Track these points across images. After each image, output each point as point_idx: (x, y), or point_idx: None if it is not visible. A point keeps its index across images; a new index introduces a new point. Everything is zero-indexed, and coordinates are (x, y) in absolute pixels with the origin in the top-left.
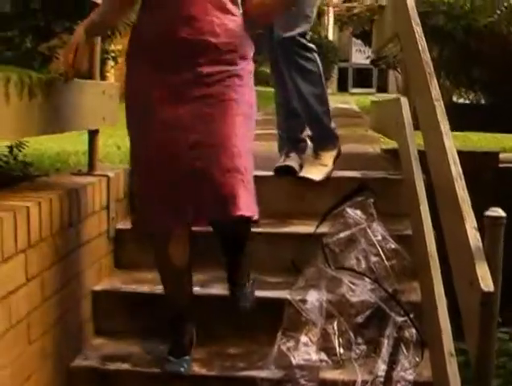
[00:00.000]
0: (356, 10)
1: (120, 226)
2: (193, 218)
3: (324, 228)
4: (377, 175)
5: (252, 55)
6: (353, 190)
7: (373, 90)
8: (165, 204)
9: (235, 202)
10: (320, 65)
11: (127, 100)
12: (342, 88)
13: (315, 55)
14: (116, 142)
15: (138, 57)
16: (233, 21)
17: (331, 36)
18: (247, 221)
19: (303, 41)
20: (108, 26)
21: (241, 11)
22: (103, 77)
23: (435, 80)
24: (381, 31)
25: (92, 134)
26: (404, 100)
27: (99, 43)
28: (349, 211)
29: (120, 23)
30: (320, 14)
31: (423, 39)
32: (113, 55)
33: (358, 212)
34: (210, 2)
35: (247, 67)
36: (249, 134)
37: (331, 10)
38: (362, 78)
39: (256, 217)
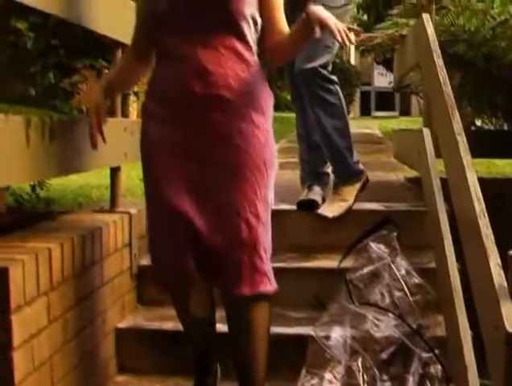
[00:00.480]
0: (377, 40)
1: (143, 262)
2: (203, 282)
3: (347, 262)
4: (401, 207)
5: (271, 108)
6: (376, 224)
7: (395, 113)
8: (175, 266)
9: (238, 279)
10: (342, 97)
11: (141, 151)
12: (365, 111)
13: (337, 87)
14: (138, 174)
15: (151, 111)
16: (249, 71)
17: (353, 60)
18: (254, 300)
19: (325, 72)
20: (126, 85)
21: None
22: (124, 113)
23: (457, 113)
24: (403, 60)
25: (114, 171)
26: (426, 132)
27: None
28: (373, 245)
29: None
30: None
31: (444, 71)
32: (134, 90)
33: (382, 246)
34: (224, 53)
35: (265, 126)
36: (265, 200)
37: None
38: (385, 101)
39: (268, 291)
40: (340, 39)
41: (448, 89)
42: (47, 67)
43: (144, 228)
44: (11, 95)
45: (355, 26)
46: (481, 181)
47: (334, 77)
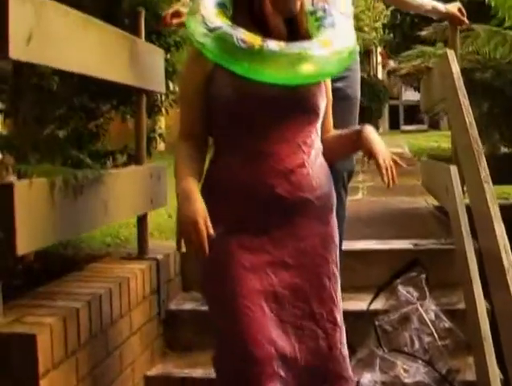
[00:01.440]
0: (403, 71)
1: (171, 307)
2: None
3: (376, 304)
4: (430, 245)
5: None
6: (405, 266)
7: (424, 126)
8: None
9: None
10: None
11: (204, 267)
12: (393, 125)
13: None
14: (167, 211)
15: (219, 214)
16: (324, 166)
17: (380, 75)
18: None
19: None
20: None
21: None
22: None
23: (484, 159)
24: (429, 92)
25: (141, 219)
26: (454, 170)
27: (144, 127)
28: (401, 288)
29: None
30: (369, 52)
31: (471, 113)
32: (160, 132)
33: (411, 289)
34: (306, 151)
35: (335, 225)
36: (340, 303)
37: (379, 49)
38: (413, 115)
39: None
40: (386, 180)
41: (474, 132)
42: (73, 109)
43: (173, 271)
44: (37, 137)
45: (399, 159)
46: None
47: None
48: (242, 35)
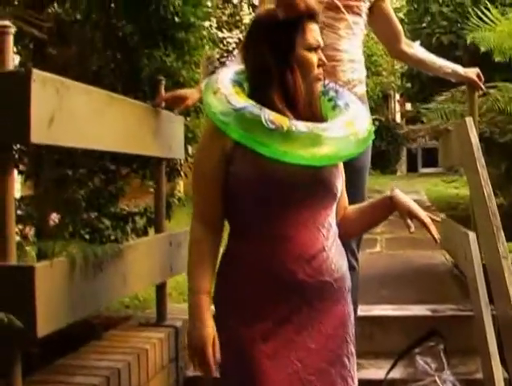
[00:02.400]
0: (421, 133)
1: (189, 373)
2: None
3: (394, 373)
4: (448, 312)
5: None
6: (423, 336)
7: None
8: None
9: None
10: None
11: (226, 360)
12: (412, 168)
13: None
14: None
15: (232, 302)
16: (339, 247)
17: (398, 119)
18: None
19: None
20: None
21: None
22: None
23: (503, 234)
24: (448, 154)
25: (160, 286)
26: (473, 238)
27: (164, 194)
28: (419, 359)
29: None
30: (388, 96)
31: (489, 184)
32: (179, 195)
33: (428, 360)
34: (325, 234)
35: (351, 303)
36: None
37: (397, 95)
38: (432, 157)
39: None
40: (436, 236)
41: (493, 205)
42: (93, 171)
43: None
44: (57, 199)
45: (434, 216)
46: None
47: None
48: (270, 116)
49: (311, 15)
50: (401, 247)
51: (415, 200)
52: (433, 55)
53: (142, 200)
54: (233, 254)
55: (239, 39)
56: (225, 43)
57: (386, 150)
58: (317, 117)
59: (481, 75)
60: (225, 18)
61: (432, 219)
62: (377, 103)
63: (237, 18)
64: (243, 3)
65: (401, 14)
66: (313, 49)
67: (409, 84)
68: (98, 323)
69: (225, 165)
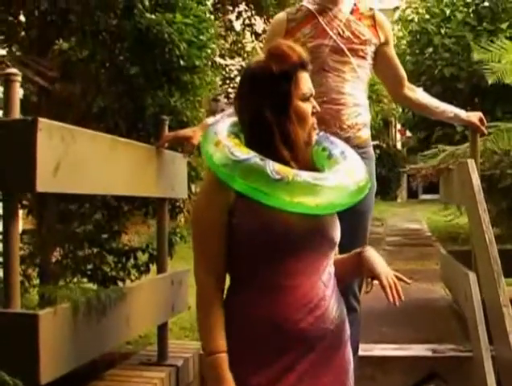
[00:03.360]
0: (423, 172)
1: None
2: None
3: None
4: (448, 353)
5: None
6: (424, 378)
7: None
8: None
9: None
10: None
11: None
12: (412, 194)
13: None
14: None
15: (237, 353)
16: (338, 294)
17: (399, 145)
18: None
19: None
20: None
21: None
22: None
23: (503, 280)
24: (449, 193)
25: (161, 326)
26: (473, 279)
27: (166, 234)
28: None
29: None
30: (388, 123)
31: (490, 230)
32: (181, 233)
33: None
34: (327, 283)
35: (350, 347)
36: None
37: (398, 126)
38: (432, 183)
39: None
40: (391, 299)
41: (494, 251)
42: (95, 207)
43: (192, 375)
44: (60, 231)
45: (403, 277)
46: None
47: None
48: (275, 166)
49: (303, 65)
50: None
51: (416, 229)
52: (436, 99)
53: (143, 234)
54: (235, 304)
55: (241, 66)
56: (227, 70)
57: (387, 176)
58: (309, 166)
59: (484, 119)
60: (227, 45)
61: (400, 279)
62: (378, 129)
63: (240, 45)
64: (246, 31)
65: (403, 45)
66: (307, 98)
67: (410, 114)
68: (99, 360)
69: (227, 217)
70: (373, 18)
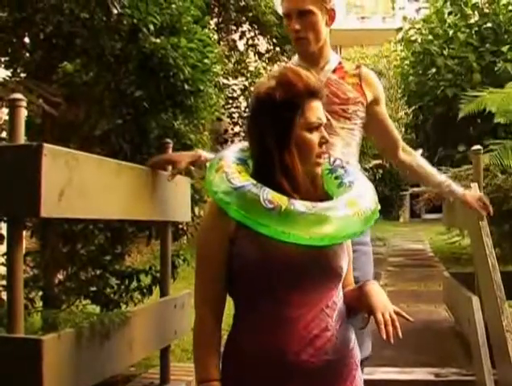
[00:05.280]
0: (426, 196)
1: None
2: None
3: None
4: (450, 376)
5: None
6: None
7: None
8: None
9: None
10: None
11: None
12: (414, 214)
13: None
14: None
15: (236, 382)
16: (346, 323)
17: None
18: None
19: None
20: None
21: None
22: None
23: (507, 307)
24: (452, 215)
25: (164, 350)
26: (477, 303)
27: (169, 257)
28: None
29: None
30: None
31: (494, 255)
32: (184, 256)
33: None
34: (329, 313)
35: (361, 380)
36: None
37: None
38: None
39: None
40: (383, 335)
41: (497, 276)
42: (99, 229)
43: None
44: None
45: (404, 314)
46: None
47: None
48: (269, 195)
49: (312, 93)
50: (403, 300)
51: (419, 250)
52: (433, 168)
53: (146, 253)
54: (236, 335)
55: (244, 85)
56: (230, 90)
57: (389, 196)
58: (320, 195)
59: (485, 199)
60: (230, 65)
61: (399, 315)
62: None
63: (243, 65)
64: (249, 51)
65: (406, 66)
66: (314, 128)
67: (413, 135)
68: (102, 383)
69: (228, 244)
70: (359, 76)
